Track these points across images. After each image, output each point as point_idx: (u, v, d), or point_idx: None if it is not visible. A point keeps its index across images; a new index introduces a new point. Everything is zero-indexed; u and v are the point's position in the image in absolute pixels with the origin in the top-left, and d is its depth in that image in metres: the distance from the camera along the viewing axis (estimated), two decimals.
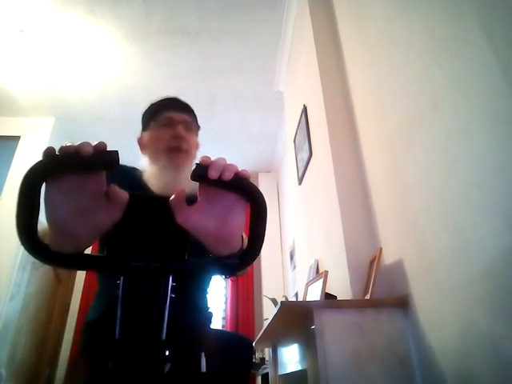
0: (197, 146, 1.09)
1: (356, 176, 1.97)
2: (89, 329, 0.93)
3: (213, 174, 0.46)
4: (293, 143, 3.01)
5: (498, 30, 0.99)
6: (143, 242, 0.51)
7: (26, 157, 3.87)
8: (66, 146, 0.43)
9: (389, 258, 1.63)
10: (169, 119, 1.02)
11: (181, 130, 1.00)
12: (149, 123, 1.06)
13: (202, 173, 0.47)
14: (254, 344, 2.22)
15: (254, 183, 0.50)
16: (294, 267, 3.62)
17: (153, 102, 1.10)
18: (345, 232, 1.81)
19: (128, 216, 0.48)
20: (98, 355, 0.79)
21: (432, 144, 1.31)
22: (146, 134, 1.06)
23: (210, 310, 1.05)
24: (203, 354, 0.87)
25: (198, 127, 1.10)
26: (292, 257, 3.90)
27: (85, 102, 3.94)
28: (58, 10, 2.92)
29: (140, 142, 1.09)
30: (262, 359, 3.73)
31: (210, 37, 3.23)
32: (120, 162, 0.45)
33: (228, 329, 4.40)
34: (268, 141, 4.70)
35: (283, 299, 3.66)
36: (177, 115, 1.03)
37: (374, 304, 1.44)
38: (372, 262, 1.61)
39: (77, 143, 0.43)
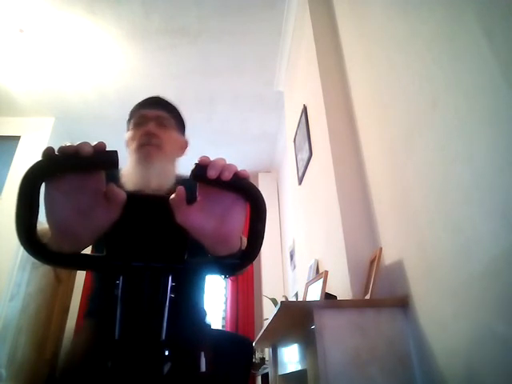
0: (180, 143, 1.07)
1: (356, 176, 1.97)
2: (90, 315, 0.94)
3: (212, 174, 0.46)
4: (293, 143, 3.01)
5: (498, 30, 0.99)
6: (143, 241, 0.51)
7: (26, 157, 3.87)
8: (66, 146, 0.43)
9: (389, 258, 1.63)
10: (141, 117, 1.01)
11: (151, 126, 0.98)
12: (128, 124, 1.06)
13: (201, 173, 0.47)
14: (254, 344, 2.22)
15: (254, 183, 0.50)
16: (294, 267, 3.62)
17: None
18: (345, 232, 1.81)
19: (127, 215, 0.48)
20: (98, 355, 0.79)
21: (432, 144, 1.31)
22: (126, 135, 1.06)
23: (205, 310, 1.05)
24: (203, 354, 0.87)
25: (179, 123, 1.07)
26: (292, 257, 3.90)
27: (85, 101, 3.94)
28: (58, 9, 2.92)
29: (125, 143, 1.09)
30: (262, 359, 3.73)
31: (210, 37, 3.23)
32: (119, 162, 0.45)
33: (228, 329, 4.40)
34: (268, 141, 4.70)
35: (283, 299, 3.66)
36: (150, 112, 1.01)
37: (374, 304, 1.44)
38: (372, 262, 1.61)
39: (76, 143, 0.43)
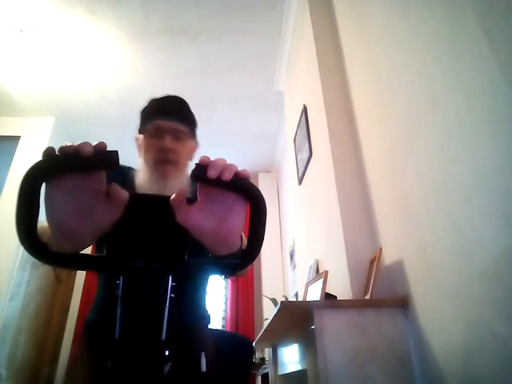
0: (193, 151, 1.08)
1: (356, 176, 1.97)
2: (89, 328, 0.93)
3: (212, 174, 0.46)
4: (293, 143, 3.01)
5: (498, 30, 0.99)
6: (143, 241, 0.51)
7: (26, 157, 3.87)
8: (66, 146, 0.43)
9: (389, 258, 1.63)
10: (157, 129, 0.99)
11: (168, 141, 0.97)
12: (141, 129, 1.04)
13: (201, 173, 0.47)
14: (253, 344, 2.22)
15: (254, 183, 0.50)
16: (294, 267, 3.62)
17: (151, 99, 1.06)
18: (345, 232, 1.81)
19: (128, 215, 0.48)
20: (98, 355, 0.79)
21: (432, 144, 1.31)
22: (140, 139, 1.04)
23: (207, 310, 1.05)
24: (203, 354, 0.87)
25: (193, 130, 1.05)
26: (292, 257, 3.90)
27: (85, 102, 3.94)
28: (58, 9, 2.92)
29: (136, 142, 1.08)
30: (262, 359, 3.73)
31: (210, 37, 3.23)
32: (120, 162, 0.45)
33: (228, 329, 4.40)
34: (268, 141, 4.70)
35: (283, 299, 3.66)
36: (165, 124, 0.99)
37: (374, 304, 1.44)
38: (372, 262, 1.61)
39: (77, 143, 0.43)
